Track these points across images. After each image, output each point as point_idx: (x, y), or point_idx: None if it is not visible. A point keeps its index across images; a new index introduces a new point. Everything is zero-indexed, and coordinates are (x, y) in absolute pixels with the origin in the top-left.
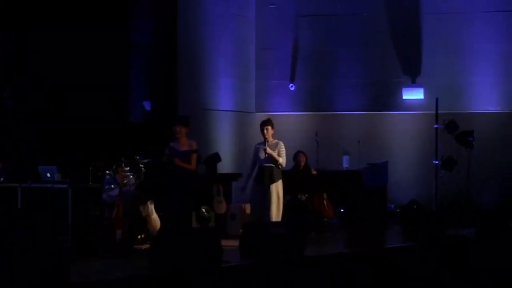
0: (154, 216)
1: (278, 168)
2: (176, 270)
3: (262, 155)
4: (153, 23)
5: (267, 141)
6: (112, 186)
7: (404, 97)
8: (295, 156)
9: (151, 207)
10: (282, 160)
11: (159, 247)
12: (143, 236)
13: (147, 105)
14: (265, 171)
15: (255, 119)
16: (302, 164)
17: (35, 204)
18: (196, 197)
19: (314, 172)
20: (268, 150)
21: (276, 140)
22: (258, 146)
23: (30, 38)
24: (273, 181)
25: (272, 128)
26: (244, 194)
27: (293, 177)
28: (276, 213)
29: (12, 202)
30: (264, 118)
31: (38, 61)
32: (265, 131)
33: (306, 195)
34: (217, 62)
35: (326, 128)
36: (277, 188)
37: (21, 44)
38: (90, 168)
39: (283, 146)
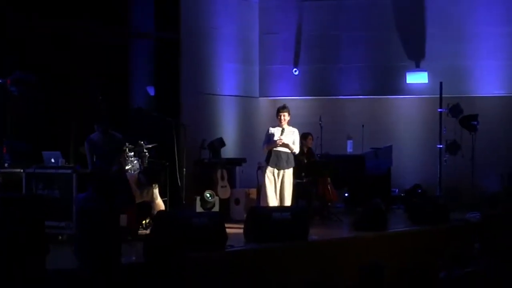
0: (159, 200)
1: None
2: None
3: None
4: (155, 8)
5: (283, 128)
6: None
7: (408, 81)
8: (302, 137)
9: (156, 191)
10: (296, 149)
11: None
12: (148, 221)
13: (150, 91)
14: (282, 156)
15: (259, 104)
16: (310, 146)
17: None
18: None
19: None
20: (284, 141)
21: (292, 128)
22: (272, 131)
23: (31, 25)
24: (290, 166)
25: (289, 114)
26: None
27: (299, 159)
28: (290, 197)
29: (16, 187)
30: (270, 102)
31: (39, 48)
32: (282, 117)
33: (309, 178)
34: (221, 47)
35: (330, 112)
36: (291, 173)
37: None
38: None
39: (298, 135)
